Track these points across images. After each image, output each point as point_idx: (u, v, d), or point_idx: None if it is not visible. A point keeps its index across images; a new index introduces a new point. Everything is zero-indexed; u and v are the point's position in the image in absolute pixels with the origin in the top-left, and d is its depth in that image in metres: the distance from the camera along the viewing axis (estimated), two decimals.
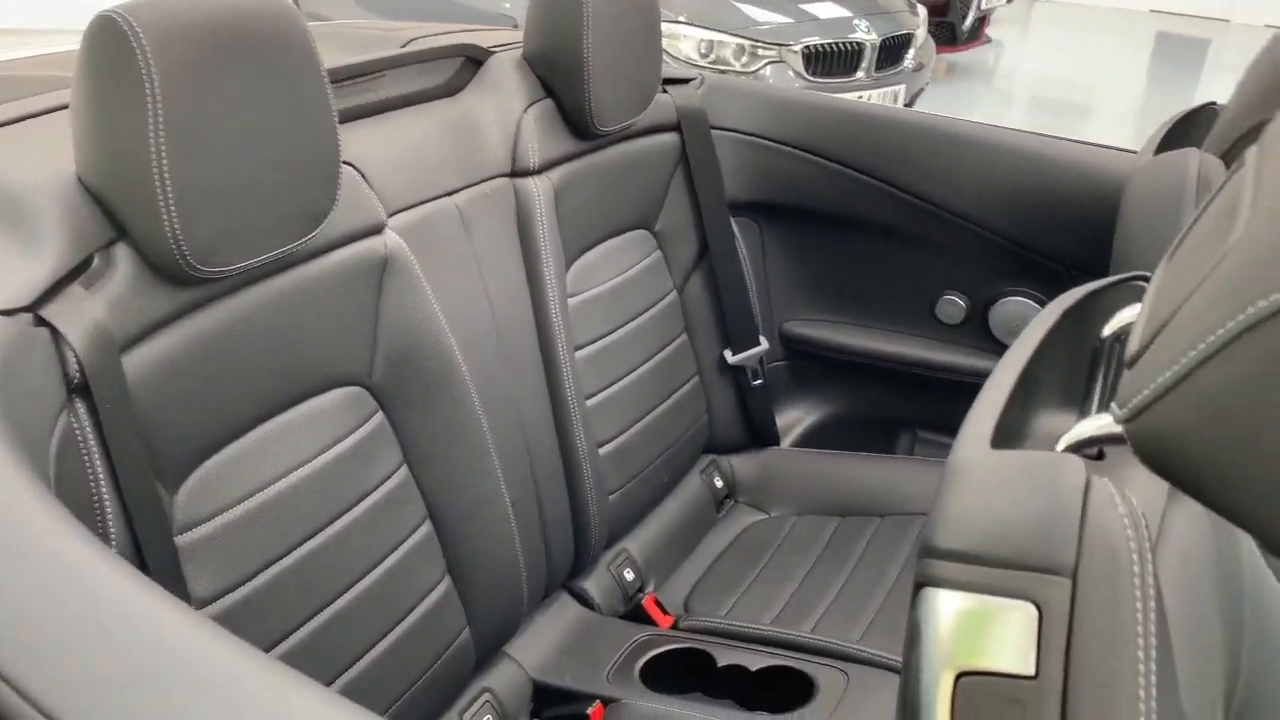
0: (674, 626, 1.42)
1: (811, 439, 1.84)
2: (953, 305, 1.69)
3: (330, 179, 0.96)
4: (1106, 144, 1.51)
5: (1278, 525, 0.44)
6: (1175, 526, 0.65)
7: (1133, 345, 0.50)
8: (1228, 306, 0.43)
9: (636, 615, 1.46)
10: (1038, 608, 0.45)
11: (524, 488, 1.32)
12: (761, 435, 1.76)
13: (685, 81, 1.66)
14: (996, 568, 0.47)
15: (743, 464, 1.75)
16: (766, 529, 1.62)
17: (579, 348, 1.41)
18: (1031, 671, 0.45)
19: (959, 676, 0.46)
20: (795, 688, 1.26)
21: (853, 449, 1.77)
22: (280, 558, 0.99)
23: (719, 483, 1.71)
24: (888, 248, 1.72)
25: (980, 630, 0.47)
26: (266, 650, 0.99)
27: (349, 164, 1.08)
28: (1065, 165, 1.51)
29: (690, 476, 1.68)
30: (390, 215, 1.15)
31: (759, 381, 1.72)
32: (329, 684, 1.05)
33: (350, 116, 1.21)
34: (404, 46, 1.46)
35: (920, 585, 0.49)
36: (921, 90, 4.55)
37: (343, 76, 1.20)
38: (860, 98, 3.92)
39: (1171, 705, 0.47)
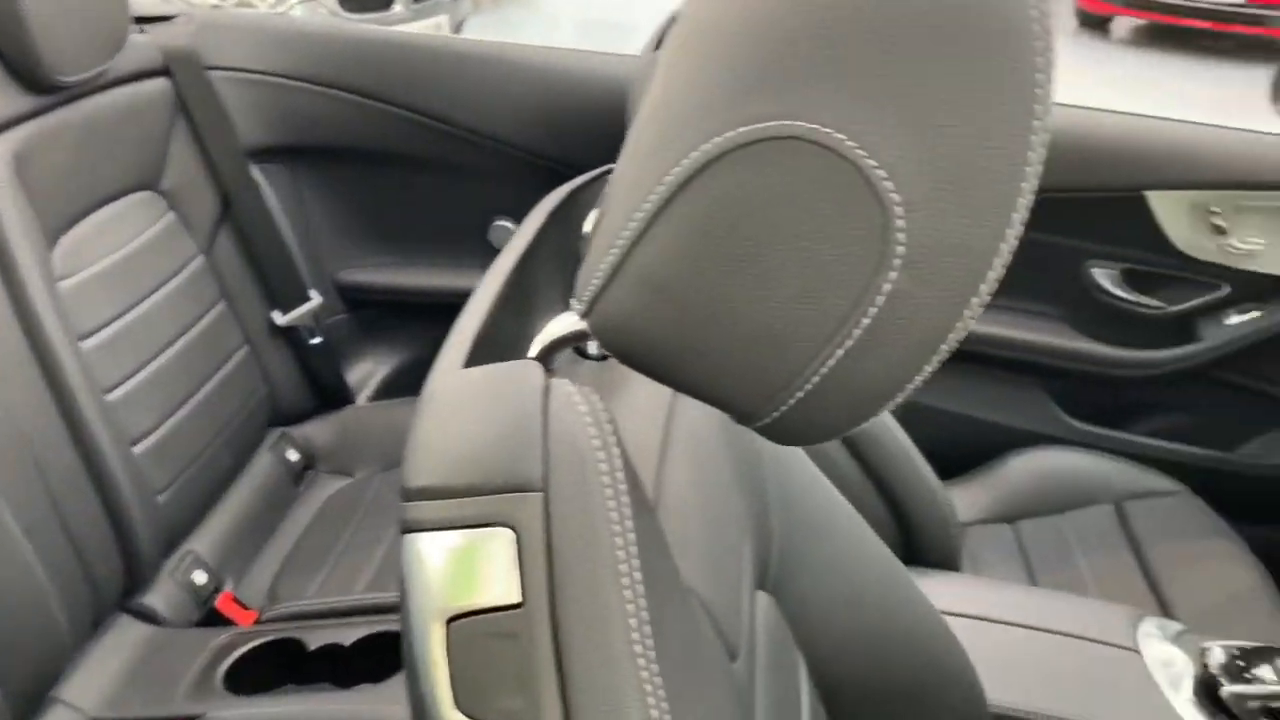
0: (258, 620, 1.30)
1: (388, 390, 1.76)
2: (504, 230, 1.66)
3: None
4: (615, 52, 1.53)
5: (734, 395, 0.43)
6: (683, 418, 0.64)
7: (589, 236, 0.48)
8: (646, 183, 0.41)
9: (213, 619, 1.32)
10: (515, 530, 0.42)
11: (40, 509, 1.12)
12: (332, 396, 1.65)
13: (168, 19, 1.48)
14: (470, 496, 0.42)
15: (317, 430, 1.63)
16: (351, 493, 1.53)
17: (84, 337, 1.22)
18: (518, 599, 0.41)
19: (450, 621, 0.42)
20: (394, 651, 1.20)
21: None
22: None
23: (293, 455, 1.58)
24: (431, 180, 1.65)
25: (466, 568, 0.42)
26: None
27: None
28: (582, 76, 1.52)
29: (259, 455, 1.54)
30: None
31: (318, 340, 1.60)
32: None
33: None
34: None
35: (403, 532, 0.44)
36: (465, 20, 4.50)
37: None
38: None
39: (669, 599, 0.46)
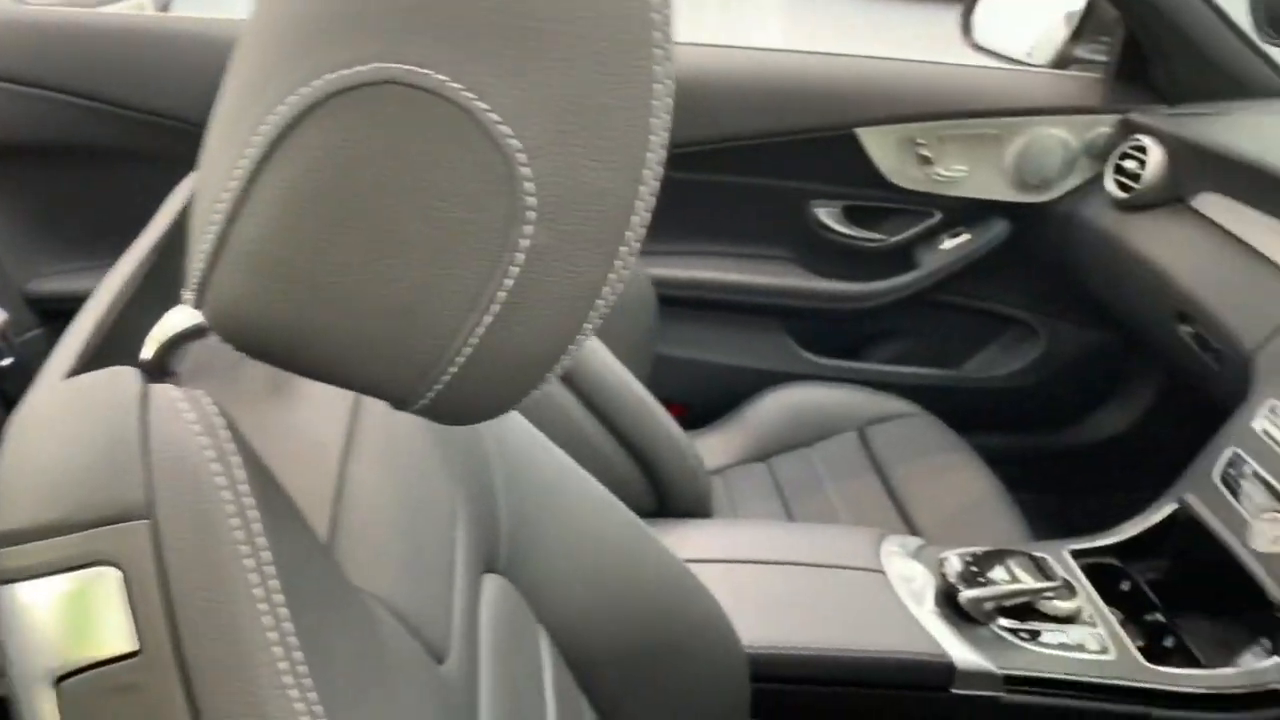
0: None
1: None
2: None
3: None
4: None
5: (381, 379, 0.39)
6: (374, 407, 0.59)
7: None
8: (235, 148, 0.36)
9: None
10: (119, 567, 0.36)
11: None
12: None
13: None
14: (65, 534, 0.36)
15: None
16: None
17: None
18: (134, 646, 0.36)
19: (60, 681, 0.36)
20: None
21: None
22: None
23: None
24: (129, 172, 1.50)
25: (73, 618, 0.36)
26: None
27: None
28: None
29: None
30: None
31: (9, 360, 1.44)
32: None
33: None
34: None
35: None
36: None
37: None
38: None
39: (331, 614, 0.41)
